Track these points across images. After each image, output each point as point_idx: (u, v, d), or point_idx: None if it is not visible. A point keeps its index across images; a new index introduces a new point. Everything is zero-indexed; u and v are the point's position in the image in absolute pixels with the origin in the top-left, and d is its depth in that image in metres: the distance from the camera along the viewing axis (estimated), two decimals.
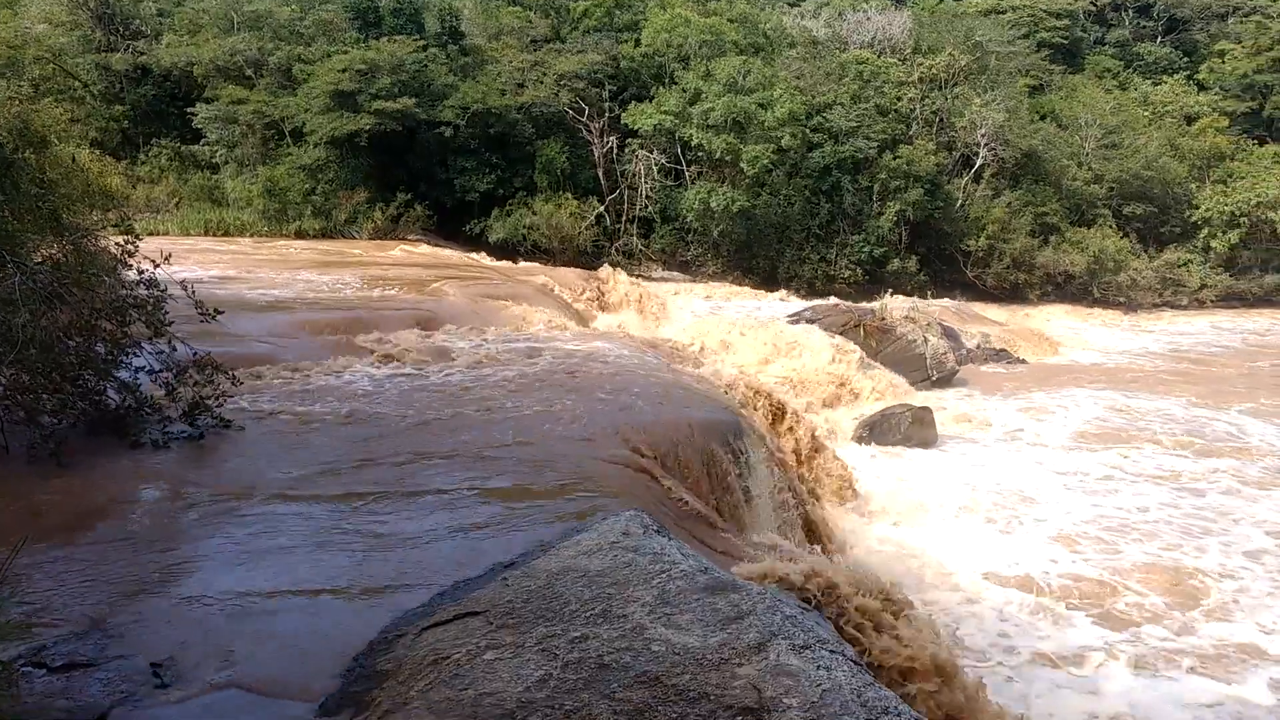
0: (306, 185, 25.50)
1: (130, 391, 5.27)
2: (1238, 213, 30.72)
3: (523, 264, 23.13)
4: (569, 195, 28.01)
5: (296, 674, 2.70)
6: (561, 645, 2.59)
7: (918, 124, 30.48)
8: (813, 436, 8.99)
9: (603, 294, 16.77)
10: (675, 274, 28.75)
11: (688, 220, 28.28)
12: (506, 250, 26.41)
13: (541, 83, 28.87)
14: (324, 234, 24.97)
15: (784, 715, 2.24)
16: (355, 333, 8.62)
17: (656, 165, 28.84)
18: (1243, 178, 32.31)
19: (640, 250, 29.22)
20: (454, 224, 27.58)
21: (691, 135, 27.86)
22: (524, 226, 27.01)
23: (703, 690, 2.35)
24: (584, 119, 28.95)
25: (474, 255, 24.06)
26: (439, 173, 27.46)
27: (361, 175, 26.54)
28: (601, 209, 28.84)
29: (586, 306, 15.53)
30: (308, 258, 18.26)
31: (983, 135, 29.62)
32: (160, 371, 5.39)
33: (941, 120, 30.60)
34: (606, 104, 29.39)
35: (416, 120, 26.50)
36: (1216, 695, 5.88)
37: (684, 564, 3.23)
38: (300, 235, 24.43)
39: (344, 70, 25.58)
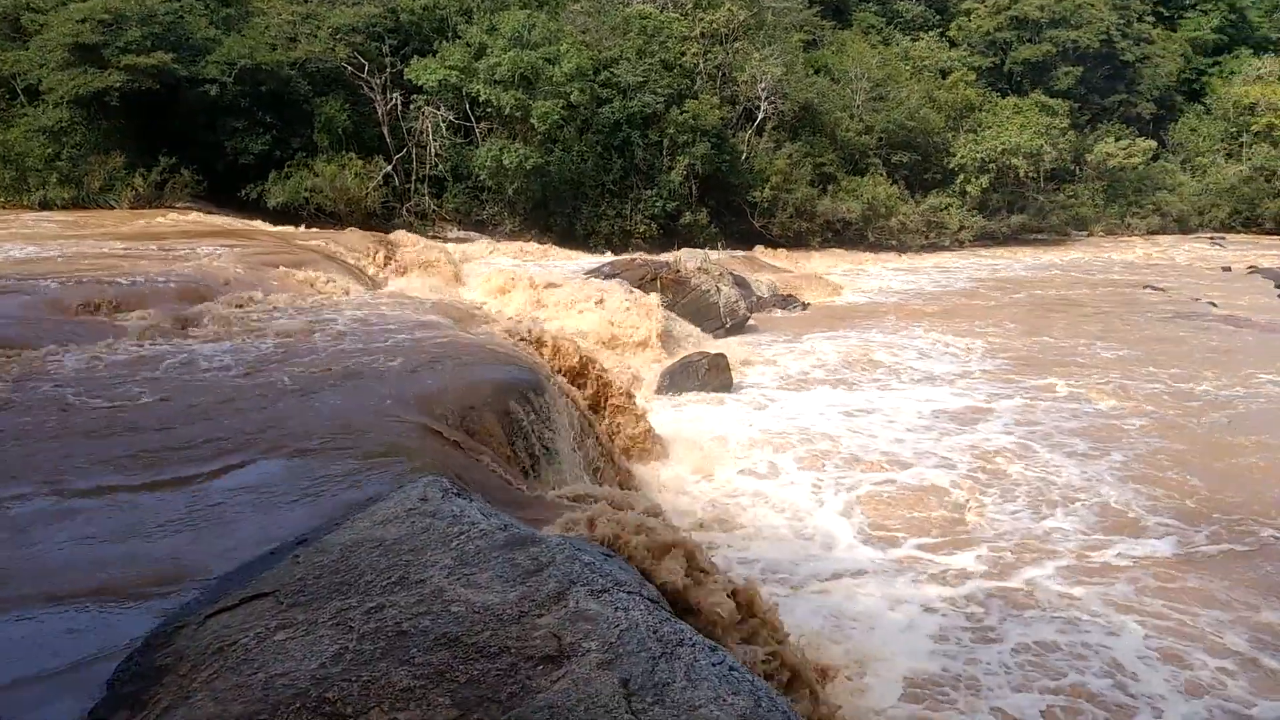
0: (49, 150, 22.86)
1: None
2: (986, 159, 33.84)
3: (306, 229, 21.94)
4: (353, 155, 26.77)
5: (56, 686, 2.48)
6: (357, 617, 2.52)
7: (702, 79, 31.27)
8: (615, 389, 9.15)
9: (394, 257, 16.20)
10: (472, 234, 28.24)
11: (481, 178, 27.79)
12: (288, 215, 24.92)
13: (315, 36, 27.26)
14: (75, 204, 22.54)
15: (584, 658, 2.30)
16: (114, 310, 7.89)
17: (445, 122, 28.08)
18: (989, 127, 35.55)
19: (433, 210, 28.46)
20: (227, 189, 25.66)
21: (479, 91, 27.29)
22: (305, 189, 25.57)
23: (503, 645, 2.37)
24: (364, 75, 27.65)
25: (251, 221, 22.53)
26: (206, 135, 25.39)
27: (116, 138, 24.08)
28: (389, 169, 27.79)
29: (377, 270, 14.95)
30: (55, 230, 16.45)
31: (763, 89, 30.81)
32: None
33: (724, 75, 31.54)
34: (388, 59, 28.20)
35: (176, 77, 24.31)
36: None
37: (484, 523, 3.22)
38: (46, 206, 21.94)
39: (84, 20, 22.99)
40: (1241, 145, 43.87)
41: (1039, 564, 7.07)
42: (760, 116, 31.43)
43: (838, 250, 31.27)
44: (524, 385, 6.43)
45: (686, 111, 29.18)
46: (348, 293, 10.87)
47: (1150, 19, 47.92)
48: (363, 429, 5.14)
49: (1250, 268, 27.41)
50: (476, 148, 28.05)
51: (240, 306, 8.64)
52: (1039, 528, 7.76)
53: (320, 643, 2.41)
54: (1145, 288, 23.45)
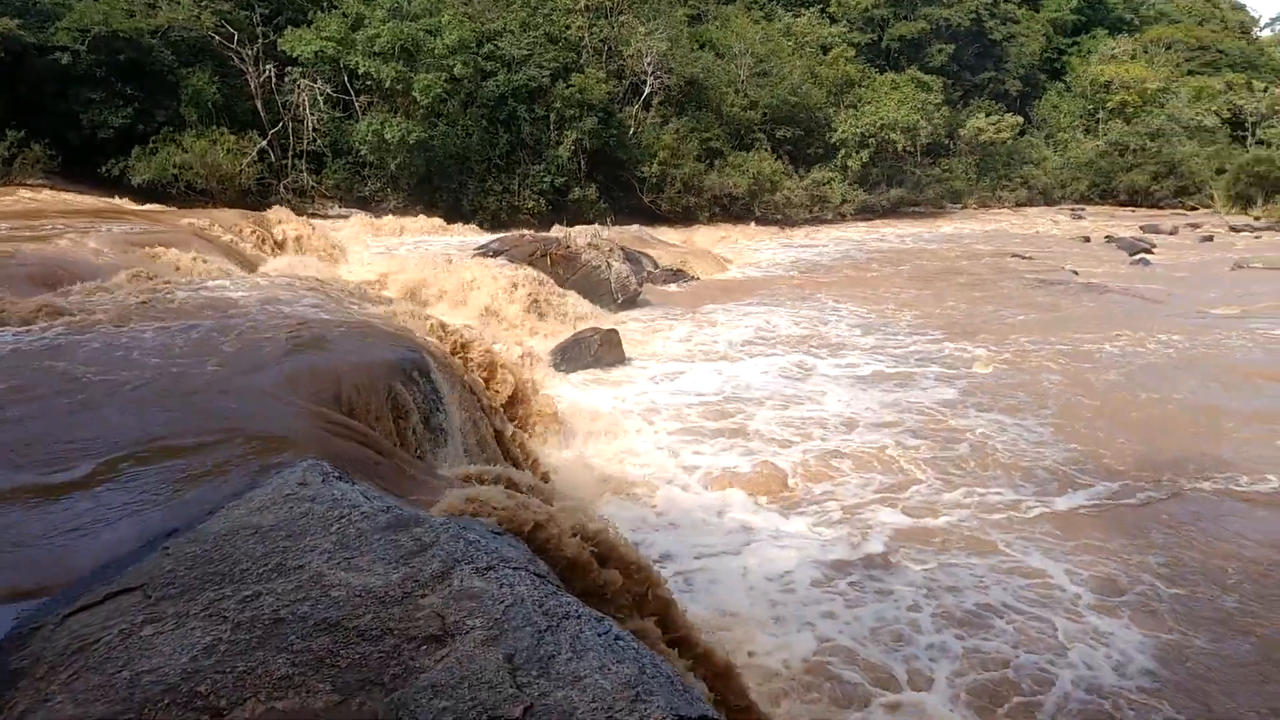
0: None
1: None
2: (866, 134, 34.81)
3: (176, 208, 20.85)
4: (225, 130, 25.50)
5: None
6: (231, 607, 2.44)
7: (588, 52, 31.07)
8: (506, 366, 9.07)
9: (272, 235, 15.57)
10: (354, 210, 27.39)
11: (362, 154, 26.95)
12: (155, 193, 23.62)
13: (178, 3, 25.79)
14: None
15: (469, 635, 2.29)
16: None
17: (322, 95, 27.06)
18: (868, 103, 36.54)
19: (313, 187, 27.46)
20: (86, 165, 24.07)
21: (358, 63, 26.41)
22: (174, 166, 24.24)
23: (386, 627, 2.33)
24: (234, 45, 26.33)
25: (115, 200, 21.26)
26: (58, 105, 23.73)
27: None
28: (264, 144, 26.62)
29: (254, 250, 14.35)
30: None
31: (649, 63, 30.84)
32: None
33: (610, 49, 31.42)
34: (259, 29, 26.92)
35: (22, 44, 22.62)
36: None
37: (365, 506, 3.15)
38: None
39: None
40: (1098, 121, 46.45)
41: (956, 517, 7.41)
42: (647, 91, 31.46)
43: (726, 225, 31.69)
44: (410, 365, 6.30)
45: (573, 85, 28.94)
46: (223, 274, 10.40)
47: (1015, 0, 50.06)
48: (241, 413, 4.94)
49: (1107, 237, 29.12)
50: (356, 122, 27.18)
51: (108, 291, 8.16)
52: (953, 487, 8.07)
53: (191, 635, 2.32)
54: (1013, 256, 24.62)
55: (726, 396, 10.81)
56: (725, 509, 7.66)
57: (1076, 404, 10.47)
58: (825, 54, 39.98)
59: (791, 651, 5.46)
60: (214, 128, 25.40)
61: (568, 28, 30.82)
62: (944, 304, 17.32)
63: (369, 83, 26.99)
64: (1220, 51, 53.29)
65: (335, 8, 27.95)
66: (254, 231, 15.31)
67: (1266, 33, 73.15)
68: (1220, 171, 40.15)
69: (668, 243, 24.59)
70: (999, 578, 6.35)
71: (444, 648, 2.25)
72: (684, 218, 31.28)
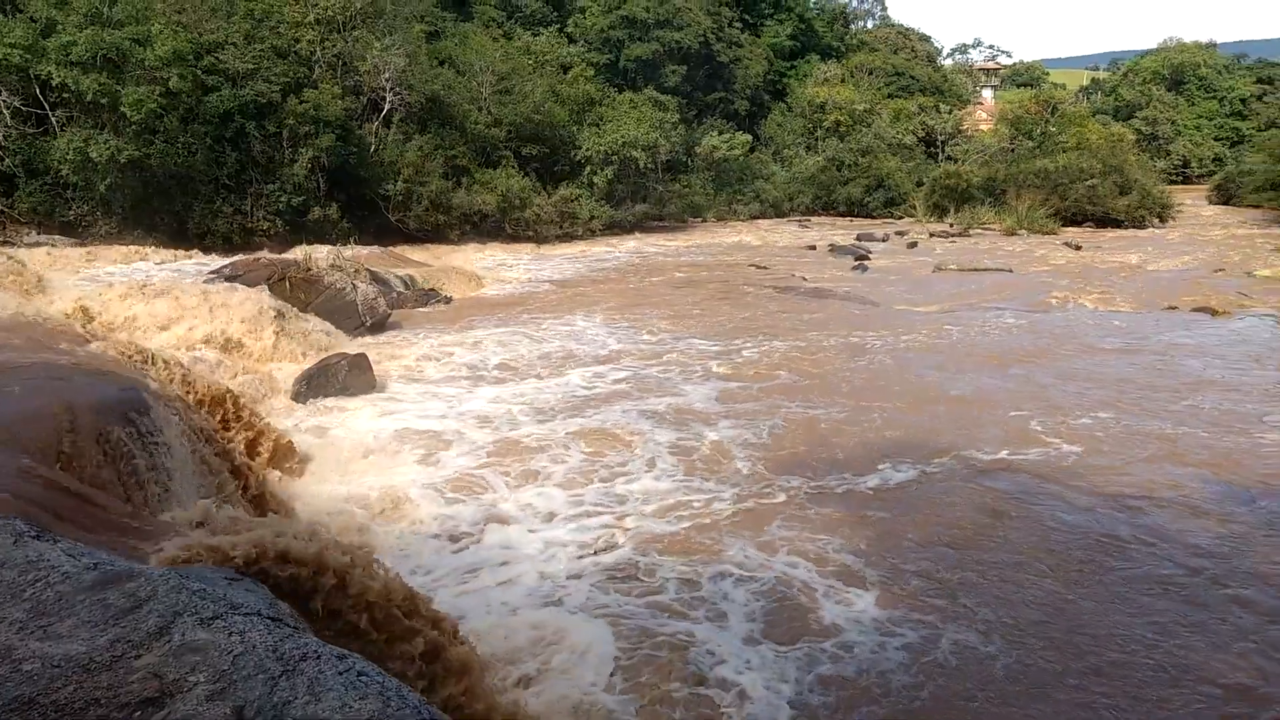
0: None
1: None
2: (609, 151, 35.84)
3: None
4: None
5: None
6: None
7: (321, 67, 29.77)
8: (239, 399, 8.45)
9: None
10: (57, 237, 24.52)
11: (63, 174, 24.16)
12: None
13: None
14: None
15: (191, 693, 2.10)
16: None
17: (9, 108, 24.01)
18: (610, 121, 37.67)
19: (2, 212, 24.27)
20: None
21: (51, 73, 23.66)
22: None
23: (91, 697, 2.09)
24: None
25: None
26: None
27: None
28: None
29: None
30: None
31: (387, 79, 30.04)
32: None
33: (345, 64, 30.30)
34: None
35: None
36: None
37: (67, 565, 2.82)
38: None
39: None
40: (817, 139, 50.73)
41: (769, 502, 7.71)
42: (386, 108, 30.60)
43: (477, 243, 31.42)
44: (126, 404, 5.72)
45: (306, 101, 27.56)
46: None
47: (739, 25, 53.67)
48: None
49: (830, 246, 31.81)
50: (55, 139, 24.34)
51: None
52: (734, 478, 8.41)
53: None
54: (753, 266, 26.28)
55: (483, 418, 10.69)
56: (478, 530, 7.56)
57: (850, 392, 11.46)
58: (566, 73, 40.77)
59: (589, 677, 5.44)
60: None
61: (297, 41, 29.31)
62: (700, 310, 18.20)
63: (67, 95, 24.27)
64: (913, 77, 60.03)
65: (20, 11, 24.93)
66: None
67: (948, 61, 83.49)
68: (919, 184, 45.11)
69: (419, 262, 24.00)
70: (801, 536, 6.86)
71: (162, 710, 2.05)
72: (434, 236, 30.65)
